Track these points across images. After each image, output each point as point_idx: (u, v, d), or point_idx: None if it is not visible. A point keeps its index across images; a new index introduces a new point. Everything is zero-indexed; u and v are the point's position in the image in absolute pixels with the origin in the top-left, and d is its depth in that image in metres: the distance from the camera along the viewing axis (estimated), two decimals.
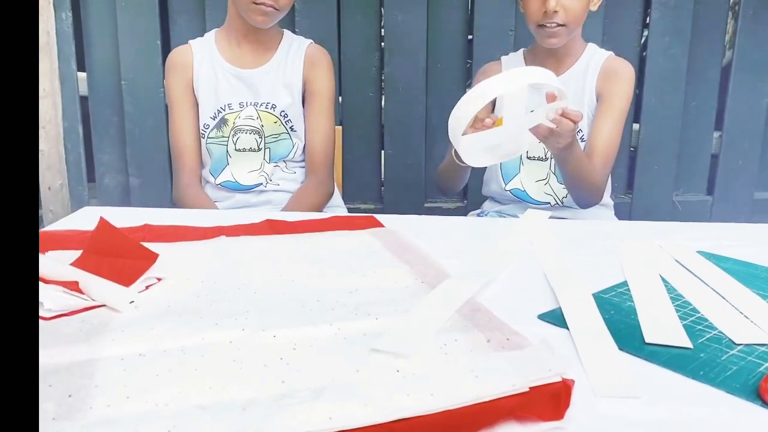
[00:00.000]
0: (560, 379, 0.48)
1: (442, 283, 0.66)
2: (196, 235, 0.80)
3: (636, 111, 2.22)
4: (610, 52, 1.26)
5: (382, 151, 2.17)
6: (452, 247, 0.83)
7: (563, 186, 1.25)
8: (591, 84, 1.21)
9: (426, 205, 2.19)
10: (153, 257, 0.67)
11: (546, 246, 0.84)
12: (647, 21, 2.12)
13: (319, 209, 1.18)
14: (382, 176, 2.19)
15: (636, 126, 2.20)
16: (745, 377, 0.52)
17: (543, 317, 0.63)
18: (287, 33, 1.24)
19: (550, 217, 0.96)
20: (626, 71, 1.22)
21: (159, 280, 0.66)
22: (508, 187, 1.28)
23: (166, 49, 2.02)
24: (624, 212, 2.22)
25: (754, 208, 2.27)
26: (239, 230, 0.82)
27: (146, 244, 0.72)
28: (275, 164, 1.23)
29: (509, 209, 1.30)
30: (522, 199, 1.29)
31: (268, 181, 1.22)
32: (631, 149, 2.23)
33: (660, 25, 2.09)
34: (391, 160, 2.16)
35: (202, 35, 1.26)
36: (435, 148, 2.16)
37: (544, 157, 1.25)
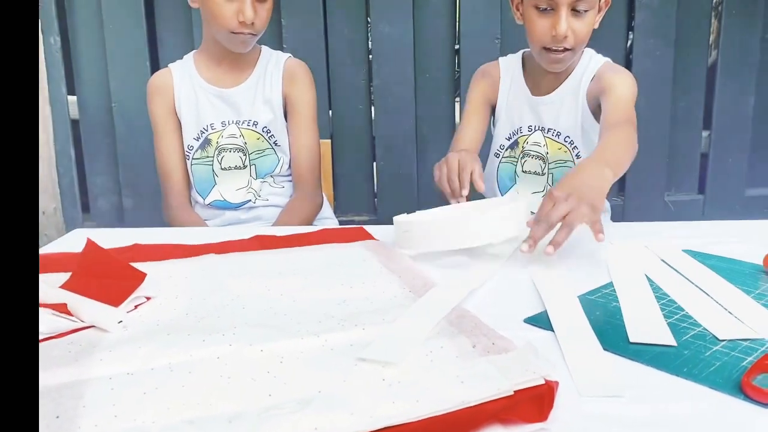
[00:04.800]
0: (543, 381, 0.48)
1: (429, 292, 0.67)
2: (185, 253, 0.81)
3: None
4: (607, 59, 1.22)
5: (374, 163, 2.18)
6: (440, 255, 0.84)
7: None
8: (583, 93, 1.17)
9: None
10: (141, 277, 0.68)
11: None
12: (632, 24, 2.14)
13: (309, 222, 1.19)
14: (375, 188, 2.21)
15: None
16: (729, 372, 0.52)
17: (529, 321, 0.63)
18: (265, 49, 1.26)
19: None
20: (624, 71, 1.17)
21: (148, 299, 0.66)
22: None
23: (155, 70, 2.03)
24: (617, 214, 2.22)
25: (747, 205, 2.28)
26: (228, 247, 0.83)
27: (135, 264, 0.73)
28: (262, 180, 1.23)
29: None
30: None
31: (257, 197, 1.23)
32: None
33: (644, 27, 2.12)
34: (383, 171, 2.17)
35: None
36: (426, 158, 2.17)
37: (540, 173, 1.23)
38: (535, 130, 1.21)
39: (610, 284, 0.72)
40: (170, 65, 1.26)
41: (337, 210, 2.20)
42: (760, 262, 0.77)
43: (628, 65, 2.15)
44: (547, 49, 1.09)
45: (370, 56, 2.10)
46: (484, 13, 2.07)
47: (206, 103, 1.21)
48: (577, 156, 1.20)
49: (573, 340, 0.58)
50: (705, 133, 2.27)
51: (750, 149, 2.24)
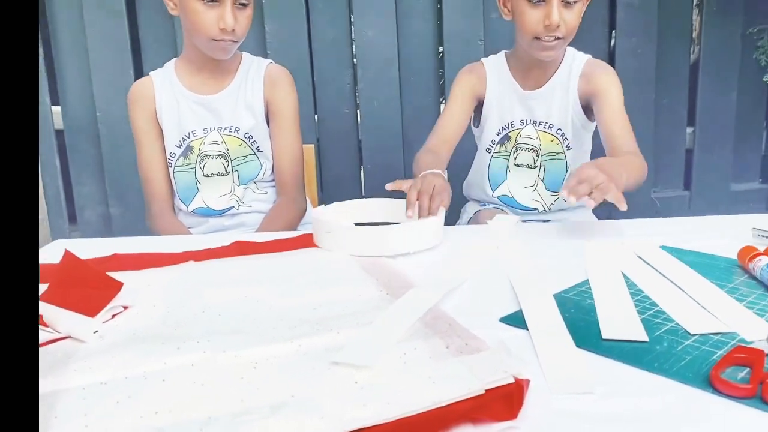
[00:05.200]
0: (513, 380, 0.49)
1: (406, 294, 0.67)
2: (164, 262, 0.81)
3: None
4: (588, 56, 1.27)
5: (361, 166, 2.19)
6: (421, 256, 0.85)
7: (551, 193, 1.27)
8: (573, 88, 1.22)
9: None
10: (118, 286, 0.68)
11: (512, 250, 0.85)
12: (614, 23, 2.15)
13: (293, 227, 1.19)
14: (363, 191, 2.21)
15: None
16: (698, 366, 0.53)
17: (504, 320, 0.64)
18: (246, 55, 1.26)
19: (543, 221, 0.97)
20: (609, 68, 1.24)
21: (125, 308, 0.67)
22: (495, 194, 1.29)
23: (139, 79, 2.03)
24: (603, 212, 2.22)
25: (732, 200, 2.30)
26: (208, 254, 0.83)
27: (114, 274, 0.73)
28: (245, 186, 1.24)
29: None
30: (510, 206, 1.29)
31: (240, 203, 1.23)
32: None
33: (626, 26, 2.13)
34: (371, 174, 2.18)
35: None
36: (413, 161, 2.18)
37: (532, 165, 1.26)
38: (527, 124, 1.25)
39: (587, 282, 0.73)
40: (151, 73, 1.26)
41: None
42: (734, 256, 0.78)
43: (611, 64, 2.16)
44: (539, 39, 1.13)
45: (355, 60, 2.10)
46: (466, 15, 2.08)
47: (187, 110, 1.21)
48: (568, 148, 1.23)
49: (546, 338, 0.58)
50: (689, 130, 2.29)
51: (734, 144, 2.26)
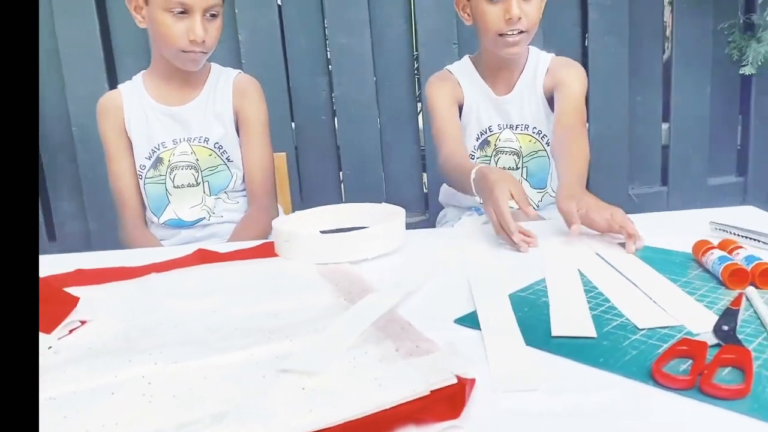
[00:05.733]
0: (456, 380, 0.49)
1: (363, 299, 0.67)
2: (127, 275, 0.81)
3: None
4: (552, 54, 1.29)
5: (340, 172, 2.19)
6: (383, 261, 0.85)
7: (537, 190, 1.27)
8: (540, 86, 1.23)
9: None
10: (74, 301, 0.68)
11: (475, 251, 0.86)
12: (586, 23, 2.17)
13: (265, 236, 1.19)
14: (343, 197, 2.21)
15: (586, 125, 2.25)
16: (643, 360, 0.54)
17: (459, 321, 0.64)
18: (215, 66, 1.26)
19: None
20: (574, 63, 1.26)
21: (83, 323, 0.67)
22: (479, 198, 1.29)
23: None
24: None
25: (710, 194, 2.32)
26: (170, 265, 0.83)
27: (75, 289, 0.73)
28: (216, 197, 1.24)
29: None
30: None
31: (211, 214, 1.23)
32: None
33: (598, 25, 2.15)
34: (350, 180, 2.18)
35: None
36: (392, 164, 2.19)
37: (514, 167, 1.27)
38: (504, 128, 1.25)
39: (543, 280, 0.74)
40: (119, 86, 1.26)
41: None
42: (689, 250, 0.79)
43: (584, 64, 2.19)
44: (503, 36, 1.14)
45: (330, 67, 2.11)
46: (439, 18, 2.10)
47: (156, 122, 1.21)
48: (547, 144, 1.25)
49: (497, 338, 0.59)
50: (665, 126, 2.31)
51: (709, 139, 2.28)
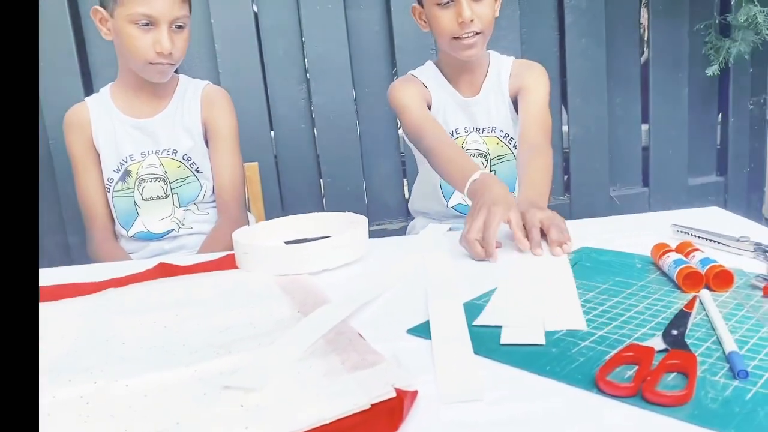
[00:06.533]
0: (395, 393, 0.49)
1: (315, 311, 0.67)
2: (84, 291, 0.80)
3: (562, 114, 2.28)
4: (512, 57, 1.29)
5: (321, 180, 2.19)
6: (344, 271, 0.85)
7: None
8: (505, 89, 1.23)
9: (371, 228, 2.21)
10: None
11: (436, 259, 0.85)
12: (563, 26, 2.18)
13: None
14: (324, 205, 2.21)
15: (565, 128, 2.26)
16: (589, 368, 0.53)
17: (412, 331, 0.64)
18: (182, 77, 1.26)
19: None
20: (537, 65, 1.26)
21: None
22: (450, 204, 1.28)
23: None
24: (564, 213, 2.25)
25: (690, 194, 2.33)
26: (128, 280, 0.83)
27: None
28: (186, 208, 1.23)
29: (458, 226, 1.28)
30: (465, 214, 1.27)
31: (180, 225, 1.23)
32: (565, 150, 2.28)
33: (575, 28, 2.16)
34: (331, 188, 2.18)
35: None
36: (372, 171, 2.19)
37: (484, 170, 1.25)
38: (471, 131, 1.24)
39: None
40: (86, 99, 1.25)
41: None
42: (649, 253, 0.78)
43: (562, 67, 2.20)
44: (458, 39, 1.13)
45: (308, 75, 2.11)
46: (416, 27, 2.08)
47: (124, 134, 1.21)
48: (515, 147, 1.24)
49: (446, 347, 0.58)
50: (644, 127, 2.32)
51: (689, 139, 2.29)
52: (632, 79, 2.25)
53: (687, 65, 2.23)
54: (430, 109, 1.25)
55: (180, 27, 1.13)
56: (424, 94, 1.24)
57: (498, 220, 0.84)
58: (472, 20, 1.10)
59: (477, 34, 1.13)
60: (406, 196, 2.22)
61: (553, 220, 0.86)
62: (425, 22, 1.19)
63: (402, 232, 2.17)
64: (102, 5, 1.13)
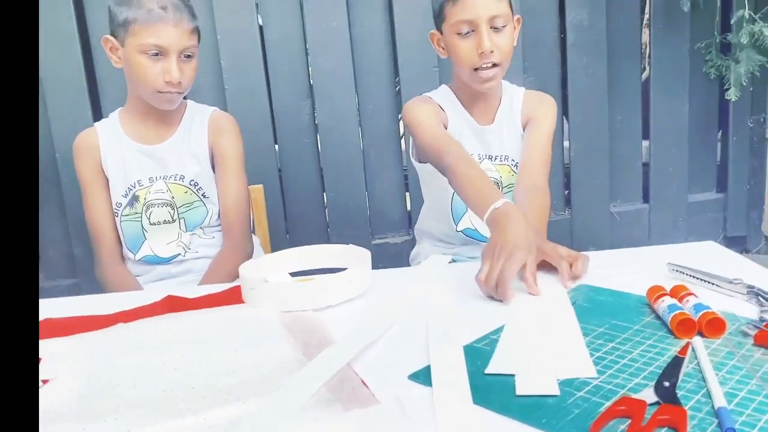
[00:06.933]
0: None
1: (319, 354, 0.69)
2: (93, 325, 0.82)
3: (564, 129, 2.30)
4: (523, 88, 1.31)
5: (324, 194, 2.21)
6: (346, 307, 0.87)
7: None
8: (518, 119, 1.26)
9: (374, 242, 2.23)
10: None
11: (438, 294, 0.87)
12: (565, 44, 2.20)
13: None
14: (327, 218, 2.23)
15: (566, 143, 2.28)
16: (584, 420, 0.55)
17: (413, 377, 0.66)
18: (190, 104, 1.28)
19: None
20: (547, 98, 1.28)
21: (45, 382, 0.68)
22: (459, 228, 1.28)
23: (98, 119, 2.05)
24: (565, 228, 2.28)
25: (690, 211, 2.35)
26: (137, 314, 0.85)
27: (41, 342, 0.74)
28: (192, 233, 1.25)
29: (465, 251, 1.30)
30: (474, 239, 1.28)
31: (187, 250, 1.25)
32: (565, 165, 2.30)
33: (577, 46, 2.18)
34: (334, 202, 2.20)
35: None
36: (374, 185, 2.21)
37: None
38: (484, 158, 1.26)
39: (499, 329, 0.75)
40: (96, 124, 1.28)
41: (291, 243, 2.22)
42: (645, 293, 0.80)
43: (563, 84, 2.22)
44: (477, 69, 1.15)
45: (313, 91, 2.13)
46: (420, 42, 2.12)
47: (132, 160, 1.23)
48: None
49: (447, 396, 0.60)
50: (645, 143, 2.34)
51: (689, 156, 2.31)
52: (633, 96, 2.27)
53: (688, 83, 2.25)
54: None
55: (189, 56, 1.15)
56: (440, 115, 1.25)
57: (518, 266, 0.83)
58: (492, 51, 1.12)
59: (495, 66, 1.14)
60: (408, 209, 2.25)
61: (579, 255, 0.92)
62: (443, 48, 1.20)
63: (404, 246, 2.19)
64: (113, 34, 1.16)
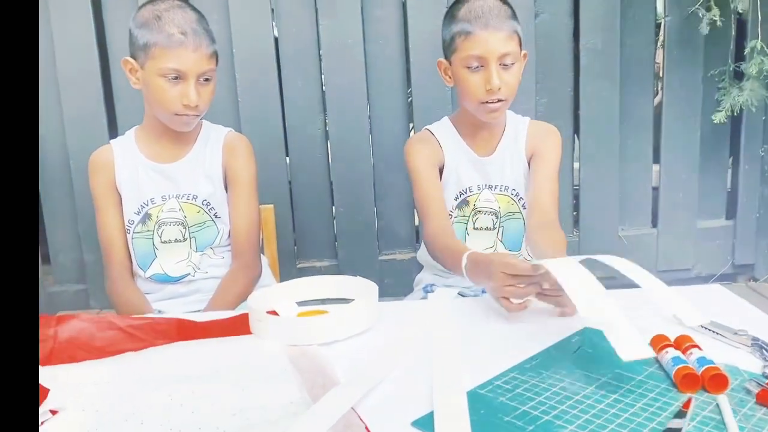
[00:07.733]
0: None
1: (324, 396, 0.70)
2: (102, 352, 0.84)
3: (575, 148, 2.30)
4: (527, 117, 1.33)
5: (333, 208, 2.23)
6: (352, 342, 0.87)
7: (511, 252, 1.29)
8: (522, 150, 1.27)
9: (380, 258, 2.24)
10: (44, 393, 0.70)
11: (443, 332, 0.88)
12: (578, 68, 2.20)
13: (247, 294, 1.21)
14: (335, 232, 2.24)
15: (576, 165, 2.28)
16: None
17: (416, 424, 0.67)
18: (205, 124, 1.30)
19: None
20: (553, 130, 1.30)
21: (54, 413, 0.69)
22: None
23: (113, 128, 2.07)
24: (572, 251, 2.27)
25: (699, 237, 2.35)
26: (145, 341, 0.86)
27: (50, 368, 0.76)
28: (202, 252, 1.27)
29: (459, 281, 1.29)
30: None
31: (196, 270, 1.26)
32: (575, 188, 2.30)
33: (590, 69, 2.19)
34: (342, 216, 2.21)
35: None
36: (384, 202, 2.22)
37: (491, 227, 1.29)
38: (483, 189, 1.28)
39: (505, 373, 0.76)
40: (111, 141, 1.30)
41: (299, 256, 2.24)
42: (649, 340, 0.81)
43: (575, 107, 2.22)
44: (484, 103, 1.17)
45: (326, 106, 2.15)
46: (433, 59, 2.11)
47: (146, 178, 1.25)
48: (523, 207, 1.28)
49: None
50: (655, 168, 2.34)
51: (699, 182, 2.31)
52: (645, 121, 2.27)
53: (700, 109, 2.25)
54: (443, 169, 1.28)
55: (207, 80, 1.17)
56: (436, 156, 1.28)
57: (505, 260, 0.91)
58: (499, 88, 1.14)
59: (501, 100, 1.16)
60: (416, 225, 2.26)
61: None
62: (450, 77, 1.22)
63: (411, 263, 2.20)
64: (133, 56, 1.17)
